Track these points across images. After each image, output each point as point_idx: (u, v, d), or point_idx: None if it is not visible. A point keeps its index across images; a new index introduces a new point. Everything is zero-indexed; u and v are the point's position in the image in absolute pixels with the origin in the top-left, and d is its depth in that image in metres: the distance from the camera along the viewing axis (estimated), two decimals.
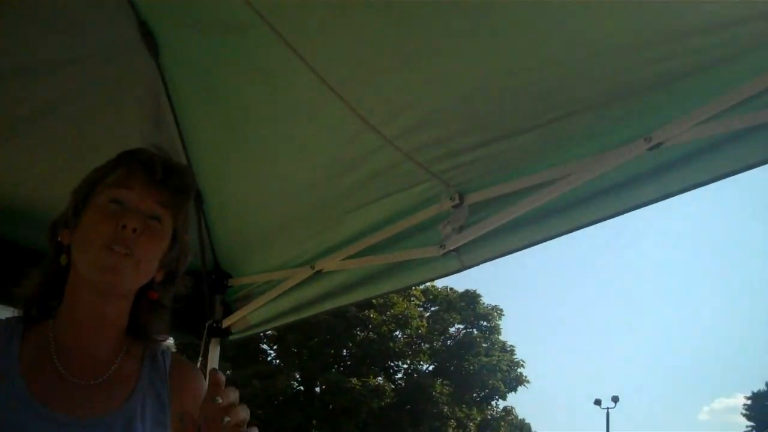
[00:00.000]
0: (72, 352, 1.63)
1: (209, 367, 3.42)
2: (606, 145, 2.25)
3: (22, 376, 1.58)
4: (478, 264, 2.70)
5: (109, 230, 1.55)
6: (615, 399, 39.65)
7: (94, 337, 1.65)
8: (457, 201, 2.62)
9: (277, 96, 2.56)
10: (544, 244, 2.52)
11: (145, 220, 1.60)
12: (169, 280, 1.76)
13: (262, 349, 28.77)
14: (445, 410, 27.29)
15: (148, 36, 2.53)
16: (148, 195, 1.61)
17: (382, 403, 26.05)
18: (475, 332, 30.09)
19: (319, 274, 3.22)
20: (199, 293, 3.51)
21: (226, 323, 3.58)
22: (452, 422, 27.81)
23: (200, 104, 2.77)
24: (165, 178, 1.63)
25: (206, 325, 3.54)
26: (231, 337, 3.63)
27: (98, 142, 2.60)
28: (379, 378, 27.83)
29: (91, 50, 2.49)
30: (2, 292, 2.69)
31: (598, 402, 40.10)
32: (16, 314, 1.72)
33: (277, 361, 28.63)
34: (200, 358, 3.44)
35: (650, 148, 2.13)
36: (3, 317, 1.72)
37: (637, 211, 2.29)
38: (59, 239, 1.67)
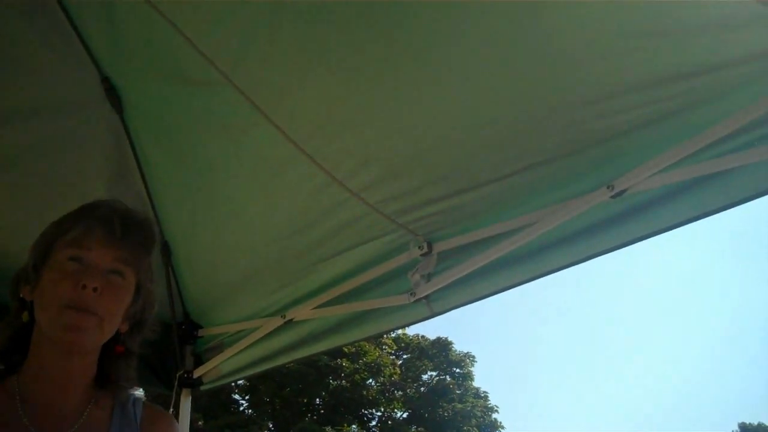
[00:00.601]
0: (38, 406, 1.61)
1: (181, 417, 3.39)
2: (569, 194, 2.30)
3: None
4: (447, 311, 2.72)
5: (69, 290, 1.52)
6: None
7: (61, 392, 1.63)
8: (425, 249, 2.65)
9: (242, 152, 2.58)
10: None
11: (106, 276, 1.57)
12: (135, 329, 1.73)
13: (234, 399, 28.39)
14: None
15: (111, 91, 2.54)
16: (108, 252, 1.58)
17: None
18: (448, 379, 29.99)
19: (290, 323, 3.22)
20: (169, 344, 3.49)
21: (197, 373, 3.55)
22: None
23: (166, 158, 2.78)
24: (124, 234, 1.60)
25: (177, 375, 3.51)
26: (202, 387, 3.60)
27: (62, 193, 2.59)
28: (354, 426, 27.55)
29: (54, 101, 2.50)
30: None
31: None
32: None
33: (250, 410, 28.24)
34: (171, 410, 3.40)
35: (613, 196, 2.17)
36: None
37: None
38: (21, 295, 1.65)
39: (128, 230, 1.61)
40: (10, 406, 1.61)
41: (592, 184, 2.24)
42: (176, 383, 3.50)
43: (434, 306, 2.73)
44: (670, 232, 2.17)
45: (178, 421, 3.29)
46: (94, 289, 1.52)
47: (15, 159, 2.61)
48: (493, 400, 30.17)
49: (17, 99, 2.46)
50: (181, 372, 3.52)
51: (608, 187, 2.18)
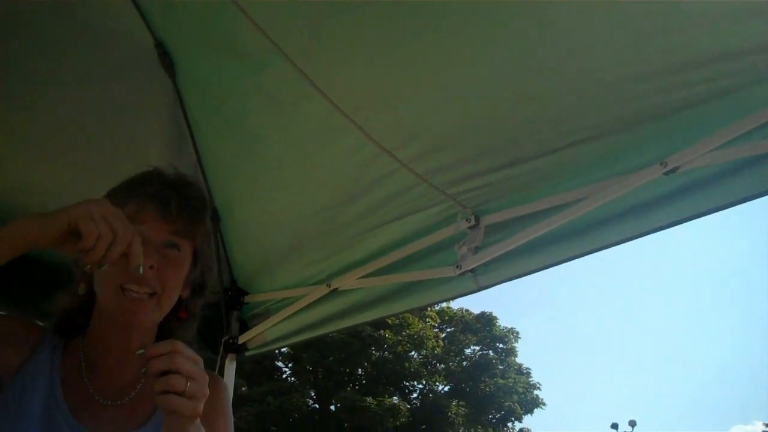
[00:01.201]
0: (100, 372, 1.64)
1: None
2: (622, 170, 2.26)
3: (61, 389, 1.60)
4: (493, 285, 2.70)
5: (124, 270, 1.48)
6: (632, 423, 39.02)
7: (120, 361, 1.65)
8: (473, 222, 2.63)
9: (291, 123, 2.57)
10: (563, 265, 2.53)
11: (162, 251, 1.58)
12: (196, 293, 1.75)
13: (278, 366, 28.77)
14: (460, 431, 27.12)
15: (164, 56, 2.55)
16: (163, 226, 1.58)
17: (398, 423, 25.92)
18: (491, 354, 29.96)
19: (335, 293, 3.23)
20: (216, 309, 3.54)
21: (242, 339, 3.59)
22: None
23: (216, 126, 2.79)
24: (179, 207, 1.59)
25: (222, 341, 3.56)
26: (247, 353, 3.64)
27: (118, 157, 2.62)
28: (395, 397, 27.73)
29: (110, 66, 2.52)
30: (33, 308, 2.75)
31: (614, 426, 39.47)
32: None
33: (293, 378, 28.60)
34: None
35: (666, 173, 2.13)
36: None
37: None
38: (80, 266, 1.64)
39: (182, 203, 1.60)
40: (77, 367, 1.64)
41: (645, 160, 2.19)
42: (222, 348, 3.55)
43: (480, 279, 2.70)
44: (724, 211, 2.13)
45: None
46: (150, 267, 1.52)
47: (72, 122, 2.65)
48: (535, 377, 30.10)
49: (75, 63, 2.49)
50: (227, 337, 3.56)
51: (661, 164, 2.13)
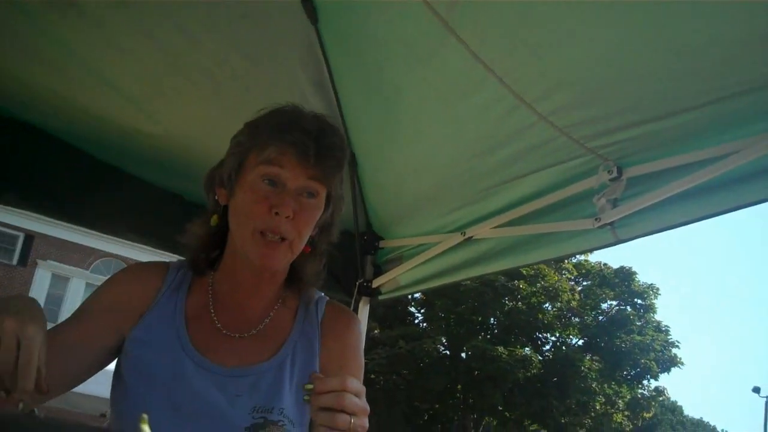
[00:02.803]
0: (228, 306, 1.71)
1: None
2: None
3: (186, 323, 1.68)
4: (633, 238, 2.61)
5: (262, 215, 1.56)
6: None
7: (249, 299, 1.71)
8: (615, 174, 2.53)
9: (430, 73, 2.54)
10: (707, 221, 2.41)
11: (299, 199, 1.60)
12: (324, 231, 1.77)
13: (410, 311, 29.23)
14: (593, 386, 26.77)
15: (307, 2, 2.57)
16: (302, 172, 1.60)
17: (529, 374, 25.88)
18: (629, 310, 29.24)
19: (469, 241, 3.23)
20: (351, 253, 3.61)
21: (376, 283, 3.66)
22: (600, 398, 27.25)
23: (355, 76, 2.80)
24: (318, 154, 1.60)
25: (357, 284, 3.64)
26: (380, 297, 3.71)
27: (259, 97, 2.68)
28: (527, 348, 27.65)
29: (257, 9, 2.55)
30: (169, 241, 2.92)
31: (756, 390, 38.00)
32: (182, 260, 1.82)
33: (425, 324, 28.99)
34: None
35: None
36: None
37: None
38: (216, 197, 1.71)
39: (322, 151, 1.60)
40: (205, 302, 1.72)
41: None
42: (356, 291, 3.64)
43: (620, 233, 2.62)
44: None
45: None
46: (287, 217, 1.56)
47: (219, 66, 2.72)
48: (674, 335, 29.21)
49: (222, 8, 2.55)
50: (361, 281, 3.65)
51: None
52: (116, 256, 29.29)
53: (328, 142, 1.63)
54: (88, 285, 28.96)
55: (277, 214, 1.56)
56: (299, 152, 1.58)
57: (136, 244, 3.71)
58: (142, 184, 3.34)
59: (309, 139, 1.59)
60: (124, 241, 3.69)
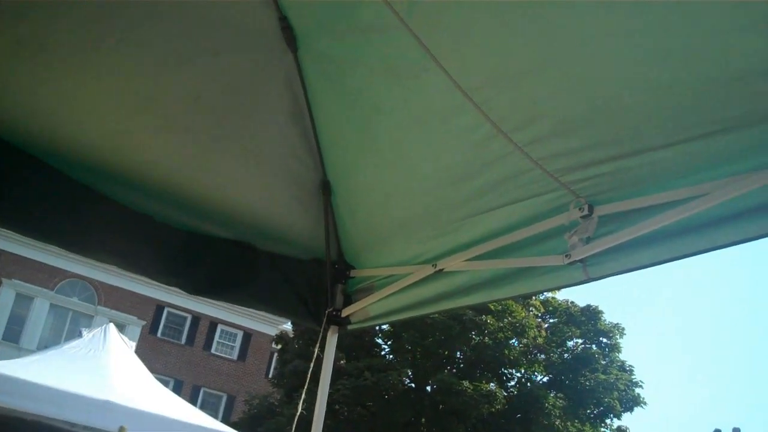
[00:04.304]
0: None
1: (326, 353, 3.50)
2: (744, 168, 2.15)
3: None
4: (604, 277, 2.63)
5: None
6: (736, 431, 37.66)
7: None
8: (586, 211, 2.56)
9: (409, 98, 2.57)
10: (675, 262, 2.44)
11: None
12: None
13: (377, 343, 29.06)
14: (557, 423, 26.71)
15: (287, 30, 2.59)
16: None
17: (493, 409, 25.77)
18: (594, 348, 29.35)
19: (440, 273, 3.22)
20: (322, 281, 3.60)
21: (345, 312, 3.64)
22: None
23: (334, 100, 2.82)
24: None
25: (326, 312, 3.62)
26: (349, 327, 3.69)
27: (238, 129, 2.69)
28: (492, 384, 27.57)
29: (233, 42, 2.58)
30: (141, 261, 2.86)
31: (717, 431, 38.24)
32: None
33: (391, 356, 28.83)
34: (318, 345, 3.51)
35: None
36: None
37: None
38: None
39: None
40: None
41: None
42: (325, 320, 3.62)
43: (591, 271, 2.63)
44: None
45: (322, 357, 3.42)
46: None
47: (197, 96, 2.73)
48: (638, 375, 29.34)
49: (198, 38, 2.57)
50: (331, 309, 3.62)
51: None
52: (83, 278, 28.86)
53: None
54: (52, 306, 28.47)
55: None
56: None
57: (104, 265, 3.66)
58: (113, 204, 3.30)
59: None
60: (92, 262, 3.65)
